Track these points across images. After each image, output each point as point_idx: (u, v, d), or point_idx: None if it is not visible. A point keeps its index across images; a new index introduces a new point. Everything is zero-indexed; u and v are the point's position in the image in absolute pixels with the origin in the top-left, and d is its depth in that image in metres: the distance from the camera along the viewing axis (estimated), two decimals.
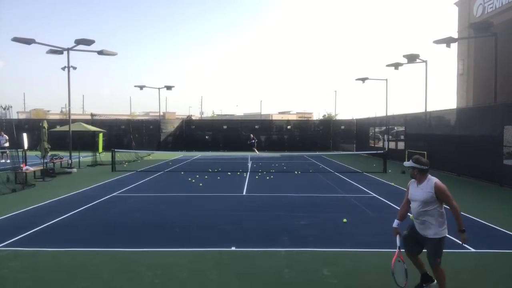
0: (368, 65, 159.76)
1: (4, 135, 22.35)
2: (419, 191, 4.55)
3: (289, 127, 36.26)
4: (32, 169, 14.95)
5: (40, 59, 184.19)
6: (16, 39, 17.18)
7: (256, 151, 30.51)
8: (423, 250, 4.71)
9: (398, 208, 9.83)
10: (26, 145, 16.01)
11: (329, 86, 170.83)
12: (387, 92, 28.76)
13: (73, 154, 19.76)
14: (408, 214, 4.81)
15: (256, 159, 25.20)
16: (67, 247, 6.64)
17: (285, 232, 7.61)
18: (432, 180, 4.53)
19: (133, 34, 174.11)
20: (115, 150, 19.29)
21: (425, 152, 19.04)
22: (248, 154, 28.87)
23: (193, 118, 63.14)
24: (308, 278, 5.36)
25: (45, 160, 16.20)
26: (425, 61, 22.49)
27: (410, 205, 4.70)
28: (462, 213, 9.49)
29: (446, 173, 17.22)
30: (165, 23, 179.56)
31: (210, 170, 18.55)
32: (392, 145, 25.59)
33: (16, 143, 14.72)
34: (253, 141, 31.48)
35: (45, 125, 16.70)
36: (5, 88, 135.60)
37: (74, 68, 21.55)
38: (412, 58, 21.86)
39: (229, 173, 17.23)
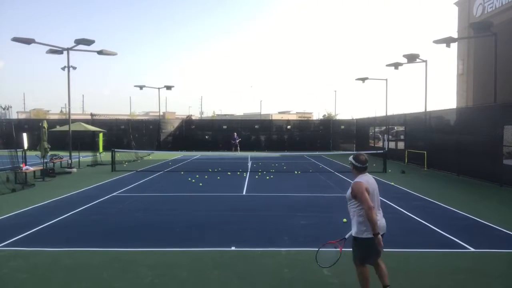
0: (368, 65, 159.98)
1: None
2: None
3: (289, 127, 36.24)
4: (32, 169, 14.95)
5: (40, 59, 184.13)
6: (16, 39, 17.17)
7: (238, 151, 30.52)
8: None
9: (399, 208, 9.90)
10: (26, 145, 16.01)
11: (329, 86, 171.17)
12: (387, 92, 28.78)
13: (73, 154, 19.76)
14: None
15: (256, 159, 25.19)
16: (67, 247, 6.64)
17: (285, 232, 7.61)
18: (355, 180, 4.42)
19: (133, 34, 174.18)
20: (115, 150, 19.28)
21: (425, 152, 19.11)
22: (248, 154, 28.86)
23: (193, 118, 63.12)
24: (308, 278, 5.36)
25: (45, 160, 16.20)
26: (425, 61, 22.47)
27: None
28: (462, 212, 9.54)
29: (446, 173, 17.23)
30: (165, 23, 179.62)
31: (210, 170, 18.56)
32: (392, 145, 25.58)
33: (15, 143, 14.71)
34: (236, 141, 31.19)
35: (45, 125, 16.70)
36: (5, 88, 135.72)
37: (74, 68, 21.53)
38: (412, 58, 21.84)
39: (229, 173, 17.23)
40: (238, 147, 31.17)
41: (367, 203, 4.17)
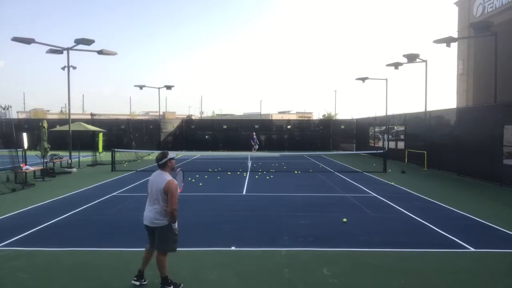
0: (368, 64, 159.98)
1: None
2: None
3: (289, 126, 36.24)
4: (32, 168, 14.94)
5: (40, 59, 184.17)
6: (16, 39, 17.16)
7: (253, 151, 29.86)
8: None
9: (399, 208, 9.89)
10: (26, 145, 16.00)
11: (329, 86, 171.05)
12: (387, 91, 28.75)
13: (73, 154, 19.75)
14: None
15: (256, 158, 25.19)
16: (67, 247, 6.64)
17: (285, 232, 7.61)
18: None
19: (133, 34, 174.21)
20: (115, 149, 19.27)
21: (425, 152, 19.12)
22: (248, 153, 28.85)
23: (193, 117, 63.07)
24: (308, 278, 5.36)
25: (45, 160, 16.19)
26: (425, 61, 22.45)
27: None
28: (462, 212, 9.54)
29: (446, 173, 17.23)
30: (165, 23, 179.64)
31: (210, 169, 18.55)
32: (392, 144, 25.58)
33: (16, 143, 14.71)
34: (255, 141, 29.95)
35: (45, 124, 16.69)
36: (5, 88, 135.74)
37: (74, 67, 21.49)
38: (412, 58, 21.82)
39: (229, 173, 17.22)
40: (255, 147, 29.80)
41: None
